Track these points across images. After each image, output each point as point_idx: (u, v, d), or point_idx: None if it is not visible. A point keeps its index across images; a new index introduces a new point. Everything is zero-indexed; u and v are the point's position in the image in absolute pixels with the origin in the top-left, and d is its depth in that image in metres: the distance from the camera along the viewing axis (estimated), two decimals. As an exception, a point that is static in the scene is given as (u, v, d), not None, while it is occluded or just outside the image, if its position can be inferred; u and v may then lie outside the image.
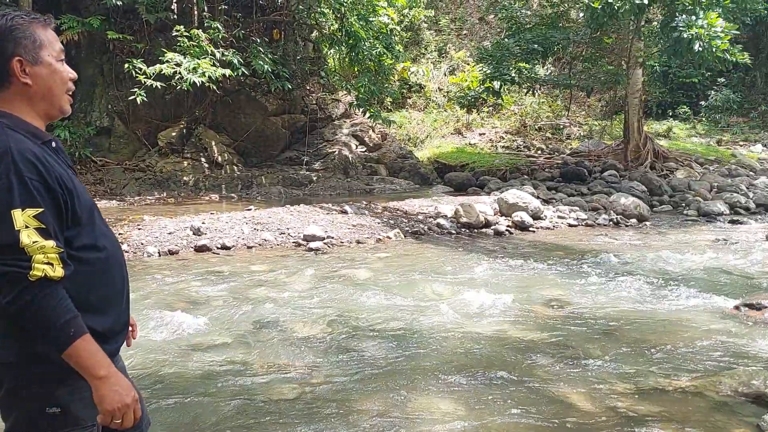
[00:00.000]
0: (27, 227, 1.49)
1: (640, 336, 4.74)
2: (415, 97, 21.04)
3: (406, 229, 9.12)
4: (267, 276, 6.54)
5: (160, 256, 7.51)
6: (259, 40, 13.67)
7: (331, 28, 14.16)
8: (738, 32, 13.05)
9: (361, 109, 14.51)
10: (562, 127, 19.95)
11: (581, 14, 14.28)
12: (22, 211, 1.49)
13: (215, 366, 4.12)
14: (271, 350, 4.46)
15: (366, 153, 15.91)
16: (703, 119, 22.66)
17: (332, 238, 8.25)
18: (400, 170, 15.65)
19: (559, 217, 10.36)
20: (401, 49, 17.23)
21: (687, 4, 12.03)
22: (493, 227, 9.51)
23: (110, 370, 1.59)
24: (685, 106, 22.74)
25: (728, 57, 12.49)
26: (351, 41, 13.56)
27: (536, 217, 9.94)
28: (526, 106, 20.17)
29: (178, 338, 4.62)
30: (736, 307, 5.39)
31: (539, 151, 18.14)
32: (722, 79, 23.17)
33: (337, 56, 16.97)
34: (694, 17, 11.74)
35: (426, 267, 7.02)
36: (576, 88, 16.89)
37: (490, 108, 20.11)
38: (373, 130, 16.23)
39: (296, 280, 6.41)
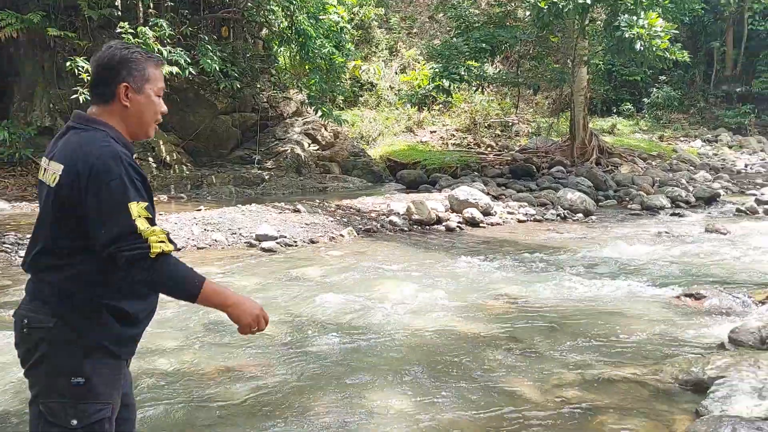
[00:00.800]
0: (140, 216, 1.80)
1: (586, 327, 4.88)
2: (367, 95, 21.05)
3: (359, 227, 9.14)
4: (218, 277, 6.44)
5: (106, 259, 7.31)
6: (207, 38, 13.42)
7: (281, 25, 14.04)
8: (677, 31, 13.55)
9: (312, 108, 14.43)
10: (510, 124, 20.31)
11: (528, 13, 14.56)
12: (137, 204, 1.81)
13: (166, 370, 4.05)
14: (223, 352, 4.41)
15: (319, 151, 15.84)
16: (646, 116, 23.45)
17: (285, 237, 8.19)
18: (353, 168, 15.65)
19: (508, 212, 10.56)
20: (352, 48, 17.21)
21: (629, 5, 12.42)
22: (444, 224, 9.62)
23: (236, 297, 1.94)
24: (628, 104, 23.50)
25: (668, 55, 12.97)
26: (301, 39, 13.47)
27: (486, 213, 10.10)
28: (476, 104, 20.43)
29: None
30: (677, 298, 5.60)
31: (489, 149, 18.42)
32: (663, 77, 24.01)
33: (288, 54, 16.83)
34: (635, 17, 12.13)
35: (379, 264, 7.05)
36: (524, 86, 17.23)
37: (441, 106, 20.30)
38: (326, 129, 16.16)
39: (248, 280, 6.35)
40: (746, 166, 18.76)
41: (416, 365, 4.14)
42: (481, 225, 9.76)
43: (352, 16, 19.83)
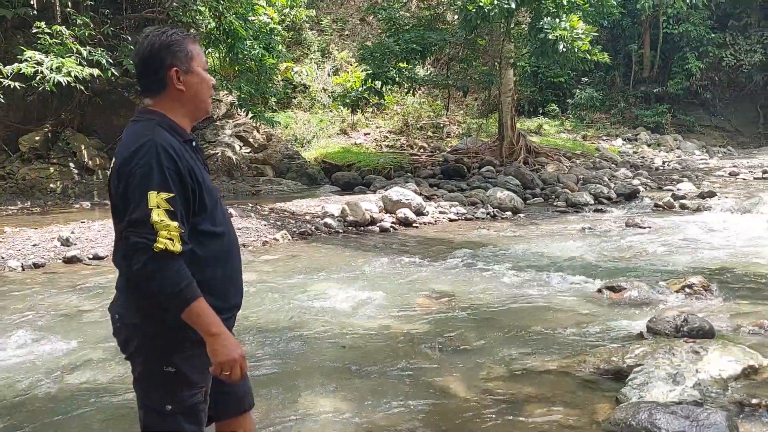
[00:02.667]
0: (159, 207, 1.79)
1: (514, 322, 5.01)
2: (300, 97, 20.90)
3: (294, 229, 9.07)
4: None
5: (23, 269, 6.98)
6: (130, 38, 13.00)
7: (209, 26, 13.76)
8: (597, 34, 14.11)
9: (244, 110, 14.20)
10: (442, 125, 20.63)
11: (456, 17, 14.82)
12: (157, 193, 1.80)
13: (84, 385, 3.89)
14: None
15: (251, 154, 15.62)
16: (570, 116, 24.30)
17: (215, 242, 8.02)
18: (287, 171, 15.51)
19: (440, 212, 10.72)
20: (283, 49, 17.04)
21: (551, 8, 12.84)
22: (378, 224, 9.68)
23: (221, 329, 1.87)
24: (553, 104, 24.29)
25: (589, 57, 13.48)
26: (230, 40, 13.24)
27: (419, 213, 10.22)
28: (408, 106, 20.65)
29: (43, 358, 4.31)
30: (599, 290, 5.82)
31: (421, 150, 18.66)
32: (586, 79, 24.97)
33: (217, 55, 16.52)
34: (558, 20, 12.55)
35: (313, 267, 7.02)
36: (453, 87, 17.51)
37: (374, 108, 20.40)
38: (258, 131, 15.95)
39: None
40: (664, 163, 19.74)
41: (349, 366, 4.15)
42: (414, 225, 9.87)
43: (282, 17, 19.64)
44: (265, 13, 14.07)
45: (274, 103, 19.06)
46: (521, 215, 10.92)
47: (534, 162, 15.79)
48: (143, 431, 1.99)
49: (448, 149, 18.22)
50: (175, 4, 13.93)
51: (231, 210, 9.54)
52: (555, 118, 23.68)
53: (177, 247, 1.80)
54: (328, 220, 9.61)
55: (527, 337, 4.66)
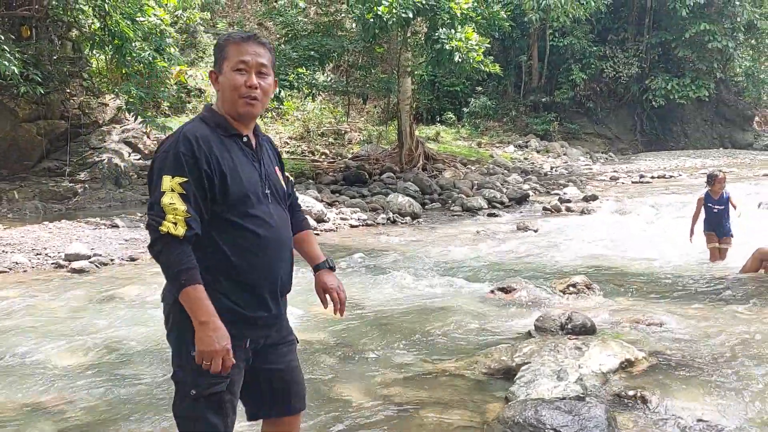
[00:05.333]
0: (173, 191, 1.88)
1: (411, 326, 5.05)
2: (195, 101, 20.21)
3: (186, 240, 8.72)
4: (20, 303, 5.79)
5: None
6: (3, 38, 12.07)
7: (93, 26, 13.02)
8: (489, 45, 14.63)
9: (132, 114, 13.55)
10: (343, 132, 20.65)
11: (354, 25, 14.90)
12: (171, 177, 1.89)
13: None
14: (26, 387, 3.95)
15: (141, 161, 14.91)
16: (466, 124, 25.05)
17: (100, 255, 7.57)
18: (180, 179, 14.93)
19: (341, 218, 10.71)
20: (176, 52, 16.41)
21: (446, 19, 13.18)
22: (277, 233, 9.50)
23: (211, 318, 1.89)
24: (450, 112, 24.95)
25: (483, 67, 13.95)
26: (117, 42, 12.59)
27: (320, 219, 10.15)
28: (309, 112, 20.52)
29: None
30: (492, 291, 6.00)
31: (323, 156, 18.57)
32: (480, 88, 25.84)
33: (103, 58, 15.67)
34: (453, 31, 12.91)
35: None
36: (353, 94, 17.59)
37: (274, 114, 20.10)
38: (148, 137, 15.26)
39: (56, 305, 5.77)
40: (551, 168, 20.76)
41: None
42: (315, 232, 9.77)
43: (175, 18, 18.94)
44: (155, 14, 13.50)
45: (167, 108, 18.32)
46: (420, 220, 11.11)
47: (432, 168, 16.14)
48: (173, 409, 2.05)
49: (350, 156, 18.26)
50: (54, 2, 13.08)
51: (118, 220, 9.06)
52: (451, 126, 24.33)
53: (179, 231, 1.87)
54: (224, 229, 9.33)
55: (423, 340, 4.71)
